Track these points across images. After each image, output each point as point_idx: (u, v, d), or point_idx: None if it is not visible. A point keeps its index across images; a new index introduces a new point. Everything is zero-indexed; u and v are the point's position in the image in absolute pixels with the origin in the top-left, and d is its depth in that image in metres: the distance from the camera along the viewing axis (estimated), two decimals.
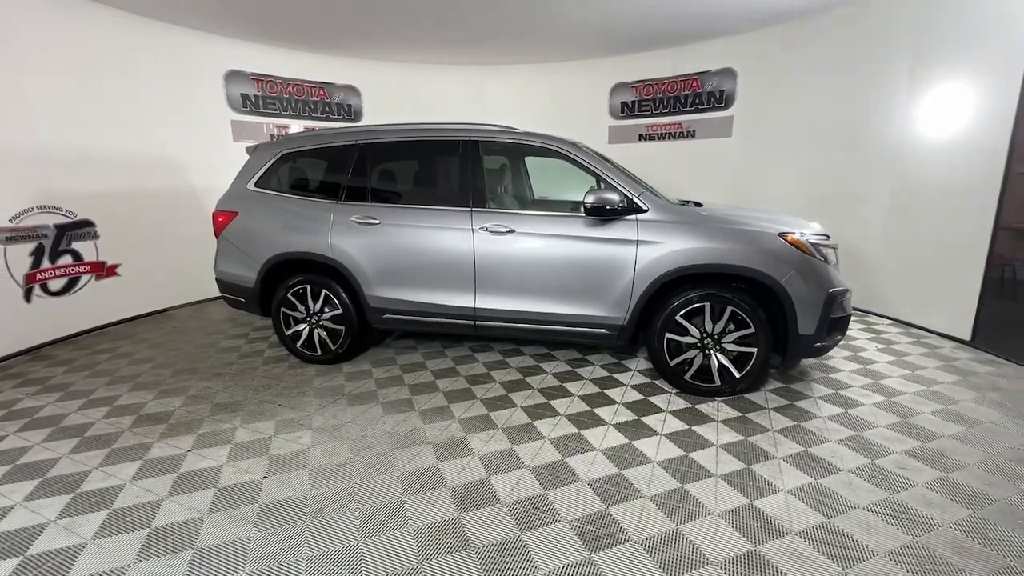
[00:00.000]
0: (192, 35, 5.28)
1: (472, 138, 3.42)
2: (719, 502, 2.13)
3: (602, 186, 3.21)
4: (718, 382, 3.08)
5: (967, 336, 4.00)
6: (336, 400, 3.15)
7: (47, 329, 4.26)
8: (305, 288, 3.59)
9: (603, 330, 3.24)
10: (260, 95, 5.96)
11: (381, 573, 1.77)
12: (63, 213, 4.30)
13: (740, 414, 2.90)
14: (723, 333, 3.04)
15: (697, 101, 6.27)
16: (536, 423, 2.84)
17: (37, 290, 4.16)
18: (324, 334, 3.65)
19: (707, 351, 3.09)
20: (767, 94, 5.66)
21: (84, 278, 4.51)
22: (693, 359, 3.12)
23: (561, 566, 1.79)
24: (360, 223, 3.44)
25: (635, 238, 3.08)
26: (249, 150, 3.86)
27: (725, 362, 3.06)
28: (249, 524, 2.02)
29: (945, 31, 4.07)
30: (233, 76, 5.71)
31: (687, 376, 3.14)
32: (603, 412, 2.96)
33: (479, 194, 3.37)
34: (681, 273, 3.02)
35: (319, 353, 3.69)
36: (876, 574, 1.74)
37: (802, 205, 5.35)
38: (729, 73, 5.96)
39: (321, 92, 6.44)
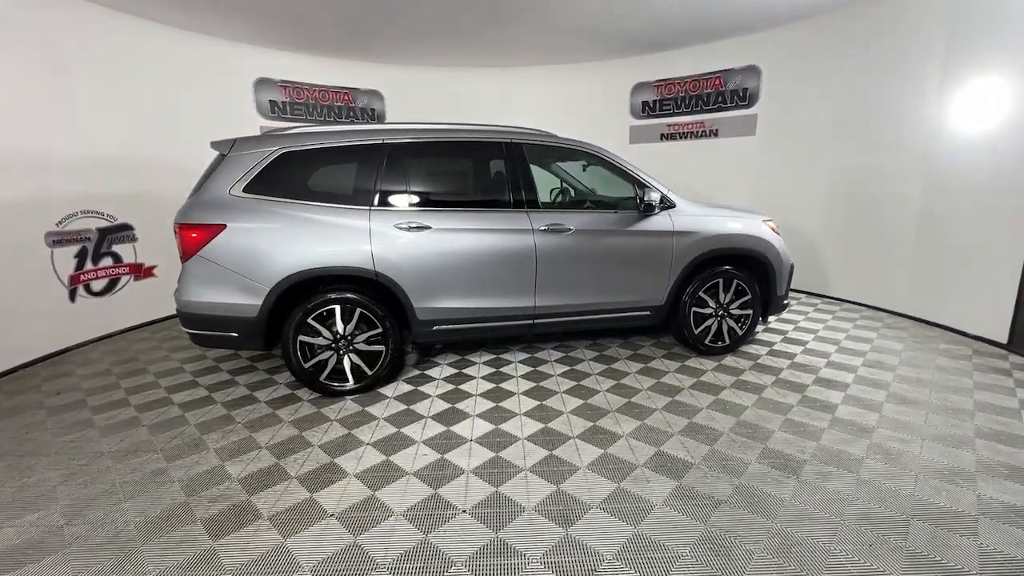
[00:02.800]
0: (224, 45, 5.51)
1: (514, 140, 3.48)
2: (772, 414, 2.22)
3: (642, 186, 3.58)
4: (727, 341, 3.84)
5: (1004, 339, 3.90)
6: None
7: (90, 328, 4.46)
8: (332, 309, 3.11)
9: (647, 312, 3.72)
10: (287, 101, 6.21)
11: None
12: (104, 217, 4.52)
13: (748, 362, 3.67)
14: (730, 302, 3.77)
15: (720, 99, 6.18)
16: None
17: (81, 290, 4.36)
18: (357, 359, 3.25)
19: (720, 318, 3.77)
20: (792, 92, 5.57)
21: (123, 279, 4.74)
22: (711, 326, 3.78)
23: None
24: (407, 229, 3.16)
25: (672, 229, 3.61)
26: (220, 146, 3.15)
27: (733, 324, 3.81)
28: None
29: (981, 23, 3.94)
30: (262, 83, 5.98)
31: (706, 340, 3.80)
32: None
33: (532, 194, 3.45)
34: (707, 256, 3.66)
35: (352, 383, 3.23)
36: None
37: (829, 203, 5.36)
38: (753, 71, 5.87)
39: (345, 97, 6.63)
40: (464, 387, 3.38)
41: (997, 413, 2.91)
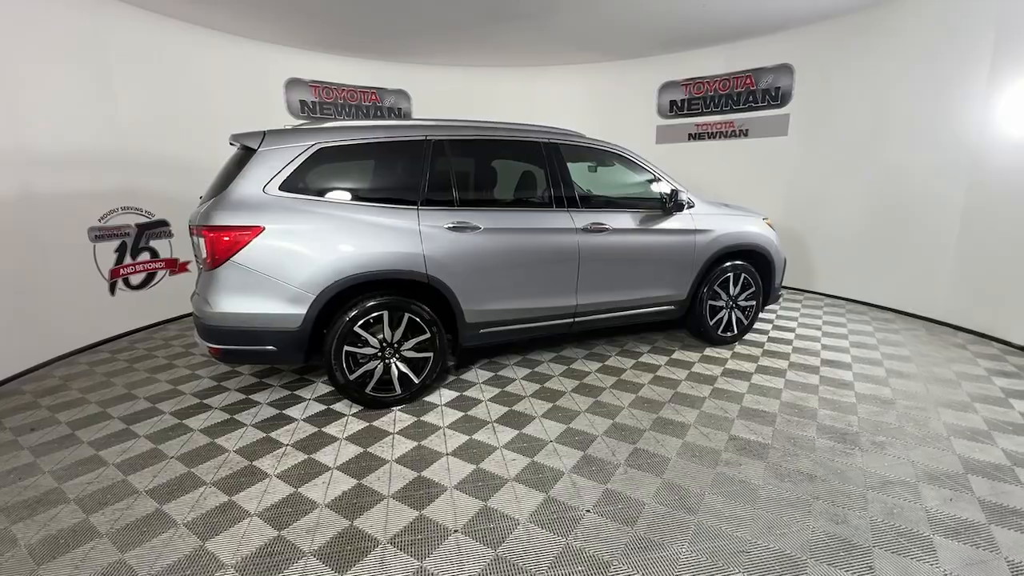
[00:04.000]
0: (257, 46, 5.68)
1: (552, 140, 3.50)
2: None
3: (667, 187, 3.73)
4: (735, 331, 4.15)
5: None
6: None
7: (128, 320, 4.66)
8: (380, 315, 2.91)
9: (672, 307, 3.92)
10: (317, 101, 6.36)
11: None
12: (143, 213, 4.69)
13: (756, 350, 3.90)
14: (738, 295, 4.06)
15: (751, 99, 6.04)
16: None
17: (120, 284, 4.54)
18: (405, 367, 3.06)
19: (731, 309, 4.08)
20: (827, 90, 5.40)
21: (160, 273, 4.93)
22: (723, 317, 4.06)
23: None
24: (456, 230, 3.04)
25: (694, 227, 3.82)
26: (246, 139, 2.87)
27: (740, 315, 4.13)
28: None
29: None
30: (293, 84, 6.15)
31: (719, 331, 4.08)
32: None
33: (571, 194, 3.48)
34: (723, 252, 3.91)
35: (399, 391, 3.04)
36: None
37: (865, 204, 5.21)
38: (786, 69, 5.71)
39: (373, 96, 6.77)
40: (510, 389, 3.33)
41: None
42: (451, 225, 3.04)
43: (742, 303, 4.11)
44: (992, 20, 4.04)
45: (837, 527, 2.00)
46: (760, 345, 4.15)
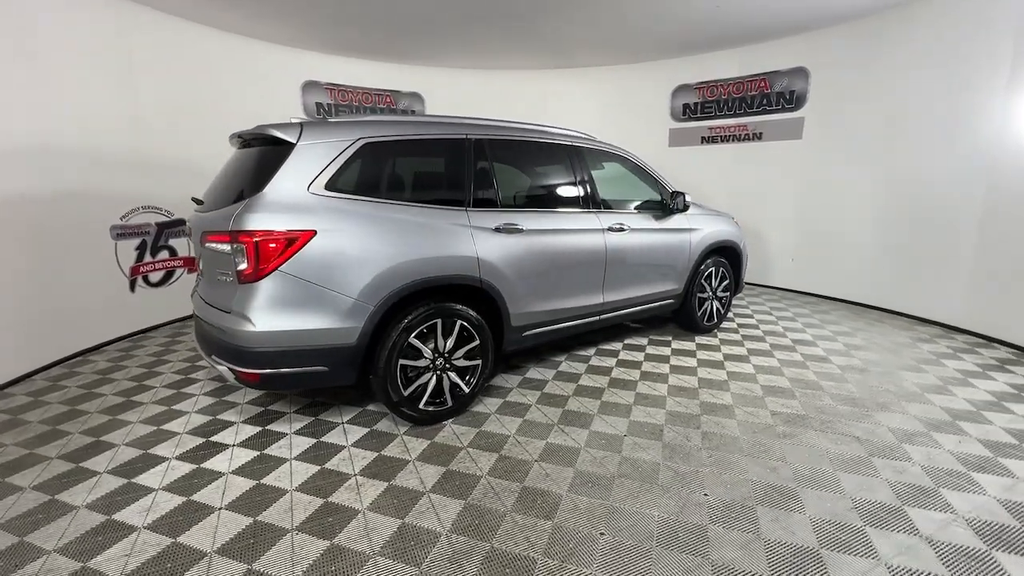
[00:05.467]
0: (275, 49, 5.79)
1: (575, 144, 3.58)
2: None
3: (666, 189, 4.07)
4: (716, 320, 4.55)
5: None
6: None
7: (148, 316, 4.75)
8: (435, 323, 2.72)
9: (672, 300, 4.21)
10: (332, 103, 6.43)
11: None
12: (162, 212, 4.80)
13: (737, 336, 4.12)
14: (718, 286, 4.46)
15: (765, 102, 6.03)
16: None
17: (140, 281, 4.64)
18: (456, 377, 2.87)
19: (712, 300, 4.46)
20: (843, 94, 5.38)
21: (178, 271, 5.02)
22: (707, 308, 4.42)
23: None
24: (502, 231, 2.96)
25: (688, 226, 4.15)
26: (283, 130, 2.51)
27: (719, 305, 4.54)
28: None
29: None
30: (309, 86, 6.23)
31: (704, 321, 4.42)
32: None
33: (596, 196, 3.58)
34: (710, 249, 4.30)
35: (451, 403, 2.86)
36: None
37: (880, 208, 5.18)
38: (800, 72, 5.70)
39: (388, 99, 6.83)
40: (549, 390, 3.32)
41: None
42: (498, 226, 2.97)
43: (720, 294, 4.54)
44: (1011, 23, 3.98)
45: (901, 475, 2.35)
46: (732, 330, 4.64)
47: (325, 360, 2.48)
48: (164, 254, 4.84)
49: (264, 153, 2.57)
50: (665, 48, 6.21)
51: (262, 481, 2.34)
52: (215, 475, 2.39)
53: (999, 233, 4.17)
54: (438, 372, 2.82)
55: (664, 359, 3.90)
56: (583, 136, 3.80)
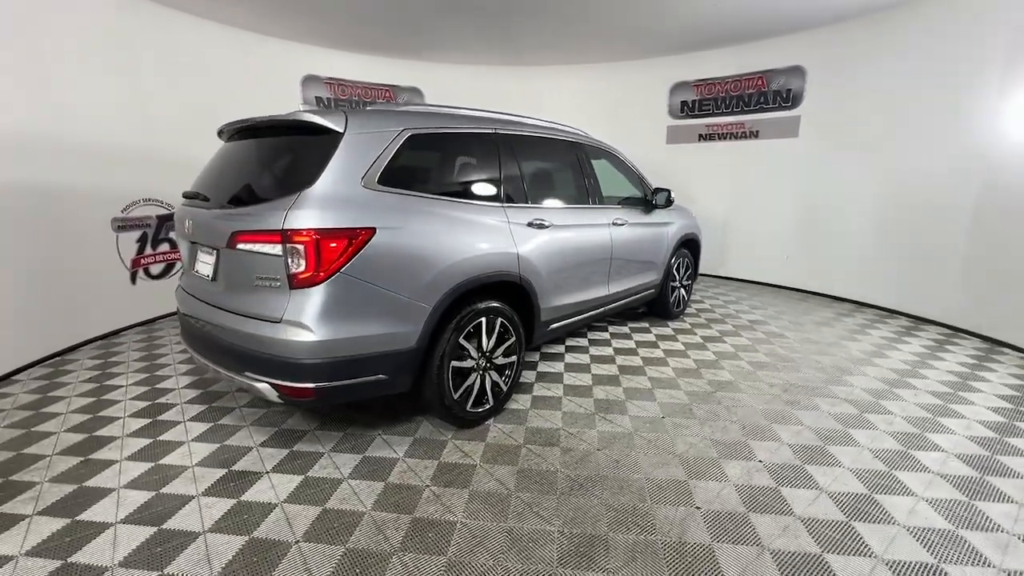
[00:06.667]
0: (275, 43, 5.76)
1: (579, 140, 3.70)
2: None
3: (648, 185, 4.32)
4: (681, 307, 4.95)
5: None
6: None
7: (149, 308, 4.73)
8: (480, 323, 2.66)
9: (654, 290, 4.45)
10: (332, 98, 6.43)
11: None
12: (163, 205, 4.76)
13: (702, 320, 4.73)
14: (683, 275, 4.84)
15: (762, 100, 6.07)
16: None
17: (141, 273, 4.64)
18: (496, 375, 2.83)
19: (679, 287, 4.82)
20: (839, 93, 5.44)
21: (179, 264, 4.79)
22: (677, 295, 4.80)
23: None
24: (533, 226, 2.97)
25: (666, 221, 4.43)
26: (329, 117, 2.24)
27: (684, 292, 4.93)
28: None
29: None
30: (309, 80, 6.21)
31: (675, 307, 4.81)
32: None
33: (599, 191, 3.71)
34: (681, 242, 4.65)
35: (491, 403, 2.80)
36: None
37: (875, 206, 5.23)
38: (797, 71, 5.74)
39: (387, 94, 6.82)
40: (569, 383, 3.38)
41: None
42: (530, 222, 2.98)
43: (684, 282, 4.95)
44: (1004, 25, 4.06)
45: (891, 425, 2.81)
46: (695, 315, 5.10)
47: (385, 367, 2.31)
48: (164, 247, 4.82)
49: (303, 144, 2.31)
50: (664, 45, 6.25)
51: (327, 506, 2.11)
52: (267, 507, 2.10)
53: (991, 232, 4.23)
54: (481, 372, 2.75)
55: (653, 344, 4.17)
56: (582, 133, 3.91)
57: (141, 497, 2.16)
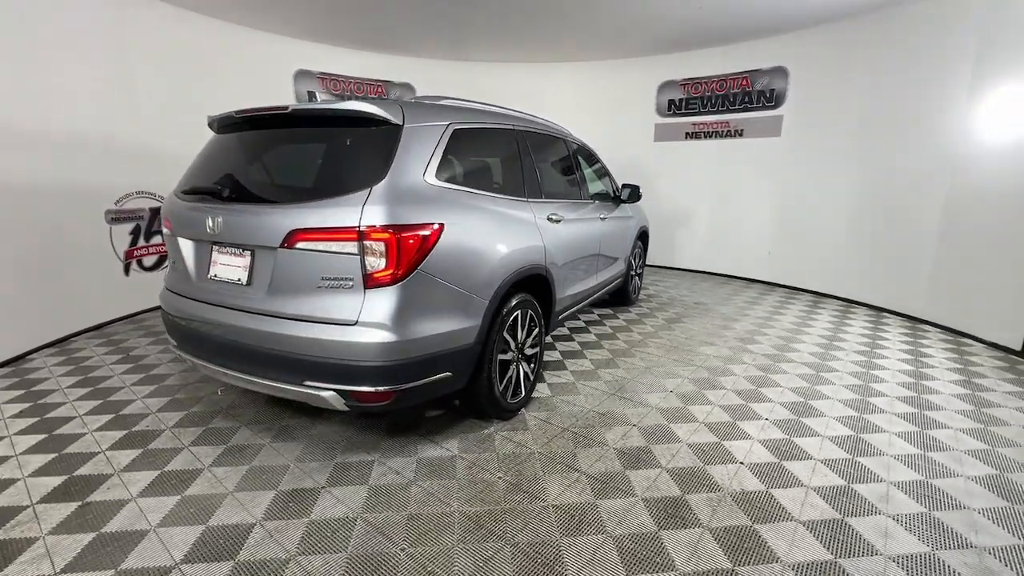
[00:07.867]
0: (268, 38, 5.74)
1: (568, 139, 3.86)
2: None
3: (614, 182, 4.59)
4: (637, 293, 5.34)
5: (1017, 346, 3.89)
6: None
7: (141, 300, 4.75)
8: (516, 316, 2.66)
9: (621, 279, 4.70)
10: (325, 92, 6.39)
11: None
12: (156, 198, 4.79)
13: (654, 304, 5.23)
14: (638, 264, 5.21)
15: (746, 99, 6.17)
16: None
17: (134, 265, 4.67)
18: (527, 366, 2.87)
19: (635, 275, 5.15)
20: (820, 93, 5.56)
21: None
22: (634, 283, 5.15)
23: None
24: (551, 221, 3.04)
25: (629, 215, 4.70)
26: (386, 108, 2.12)
27: (639, 280, 5.29)
28: None
29: (1015, 28, 3.91)
30: (301, 75, 6.22)
31: (634, 295, 5.18)
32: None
33: (588, 187, 3.88)
34: (639, 234, 4.97)
35: (524, 394, 2.84)
36: None
37: (852, 204, 5.37)
38: (780, 72, 5.85)
39: (379, 89, 6.84)
40: (573, 368, 3.51)
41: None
42: (548, 216, 3.07)
43: (638, 271, 5.30)
44: (976, 32, 4.20)
45: (858, 378, 3.38)
46: (645, 310, 5.46)
47: (449, 365, 2.26)
48: (157, 239, 4.84)
49: (360, 136, 2.16)
50: (652, 45, 6.36)
51: (412, 511, 2.00)
52: (336, 524, 1.93)
53: (960, 227, 4.37)
54: (518, 364, 2.80)
55: (626, 328, 4.46)
56: (564, 129, 4.00)
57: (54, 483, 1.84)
